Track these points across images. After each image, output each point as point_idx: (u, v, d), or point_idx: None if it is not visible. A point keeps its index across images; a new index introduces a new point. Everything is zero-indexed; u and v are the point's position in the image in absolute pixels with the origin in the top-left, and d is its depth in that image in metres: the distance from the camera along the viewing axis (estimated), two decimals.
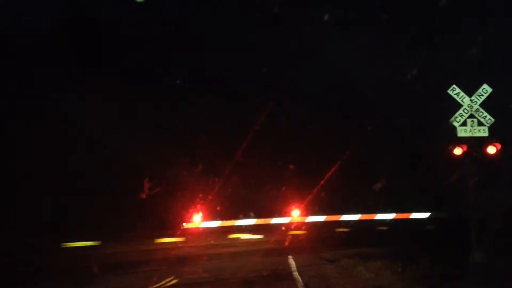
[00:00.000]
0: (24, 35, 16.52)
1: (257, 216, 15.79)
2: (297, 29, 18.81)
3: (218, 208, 16.11)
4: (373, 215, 14.89)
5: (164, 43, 19.89)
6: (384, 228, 16.60)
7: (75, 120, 16.08)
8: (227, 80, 20.45)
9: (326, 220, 15.20)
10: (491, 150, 10.22)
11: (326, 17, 17.42)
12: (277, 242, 16.52)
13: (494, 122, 10.43)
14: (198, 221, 14.52)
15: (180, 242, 15.61)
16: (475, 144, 10.45)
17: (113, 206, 15.92)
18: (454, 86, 10.52)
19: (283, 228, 16.30)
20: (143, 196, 16.55)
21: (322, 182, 15.50)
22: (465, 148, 10.34)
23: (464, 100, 10.43)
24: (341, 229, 17.02)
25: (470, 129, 10.37)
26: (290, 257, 13.89)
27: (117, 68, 17.68)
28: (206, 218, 14.75)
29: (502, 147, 10.39)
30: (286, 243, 16.22)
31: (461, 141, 10.48)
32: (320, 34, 18.48)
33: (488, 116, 10.36)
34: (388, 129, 18.31)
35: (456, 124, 10.42)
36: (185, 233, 15.26)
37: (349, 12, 19.42)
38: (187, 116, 18.11)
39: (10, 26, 16.33)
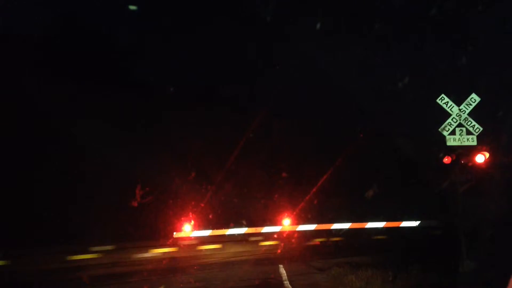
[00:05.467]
0: (16, 40, 16.50)
1: (249, 225, 15.76)
2: (290, 37, 18.91)
3: (210, 216, 16.08)
4: (364, 223, 14.93)
5: (156, 51, 19.93)
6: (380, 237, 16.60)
7: (63, 126, 16.00)
8: (219, 88, 20.48)
9: (317, 228, 15.20)
10: (480, 158, 10.33)
11: (318, 25, 17.52)
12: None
13: (483, 130, 10.58)
14: (188, 230, 14.48)
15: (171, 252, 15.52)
16: (464, 153, 10.55)
17: (104, 214, 15.83)
18: (442, 95, 10.63)
19: (275, 236, 16.28)
20: (135, 204, 16.49)
21: (313, 190, 15.56)
22: (454, 156, 10.44)
23: (452, 110, 10.53)
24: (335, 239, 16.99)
25: (459, 138, 10.48)
26: (281, 266, 13.85)
27: (109, 75, 17.67)
28: (197, 227, 14.71)
29: (491, 156, 10.51)
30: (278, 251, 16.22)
31: (450, 149, 10.59)
32: (314, 43, 18.59)
33: (477, 125, 10.46)
34: (380, 138, 18.38)
35: (445, 133, 10.52)
36: (175, 243, 15.20)
37: (342, 21, 19.56)
38: (180, 124, 18.08)
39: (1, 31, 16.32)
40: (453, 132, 10.53)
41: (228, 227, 15.32)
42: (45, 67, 15.92)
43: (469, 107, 10.53)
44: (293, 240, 16.44)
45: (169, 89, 19.52)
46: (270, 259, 15.10)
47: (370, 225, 14.86)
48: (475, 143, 10.46)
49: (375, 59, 20.15)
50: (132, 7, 16.65)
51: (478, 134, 10.47)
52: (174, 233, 14.64)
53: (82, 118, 16.41)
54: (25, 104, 15.58)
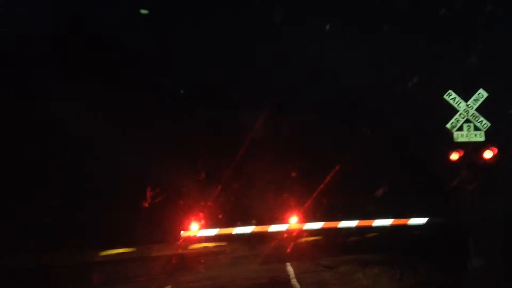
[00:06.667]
0: (22, 42, 16.62)
1: (257, 223, 15.74)
2: (297, 35, 18.87)
3: (220, 216, 16.13)
4: (371, 221, 14.86)
5: (165, 52, 19.96)
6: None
7: (70, 127, 16.11)
8: (227, 87, 20.51)
9: (324, 227, 15.13)
10: (488, 154, 10.23)
11: (327, 25, 17.51)
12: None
13: (492, 126, 10.48)
14: (195, 229, 14.53)
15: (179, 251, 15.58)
16: (472, 149, 10.46)
17: (114, 214, 15.93)
18: (450, 91, 10.56)
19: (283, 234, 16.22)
20: (146, 205, 16.60)
21: (320, 188, 15.53)
22: (462, 153, 10.35)
23: (460, 105, 10.46)
24: None
25: (467, 134, 10.40)
26: (288, 264, 13.84)
27: (117, 76, 17.75)
28: (205, 226, 14.75)
29: (499, 151, 10.40)
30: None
31: (458, 146, 10.51)
32: (321, 41, 18.55)
33: (484, 121, 10.37)
34: (386, 136, 18.27)
35: (452, 129, 10.43)
36: (184, 242, 15.24)
37: (351, 20, 19.46)
38: (189, 125, 18.16)
39: (7, 33, 16.44)
40: (460, 128, 10.45)
41: (235, 225, 15.32)
42: (52, 67, 16.03)
43: (477, 102, 10.46)
44: (300, 239, 16.40)
45: (179, 89, 19.61)
46: (277, 257, 15.07)
47: (377, 222, 14.80)
48: (483, 138, 10.38)
49: (385, 57, 20.01)
50: (144, 11, 16.69)
51: (486, 129, 10.38)
52: (182, 232, 14.71)
53: (91, 119, 16.52)
54: (31, 104, 15.71)
